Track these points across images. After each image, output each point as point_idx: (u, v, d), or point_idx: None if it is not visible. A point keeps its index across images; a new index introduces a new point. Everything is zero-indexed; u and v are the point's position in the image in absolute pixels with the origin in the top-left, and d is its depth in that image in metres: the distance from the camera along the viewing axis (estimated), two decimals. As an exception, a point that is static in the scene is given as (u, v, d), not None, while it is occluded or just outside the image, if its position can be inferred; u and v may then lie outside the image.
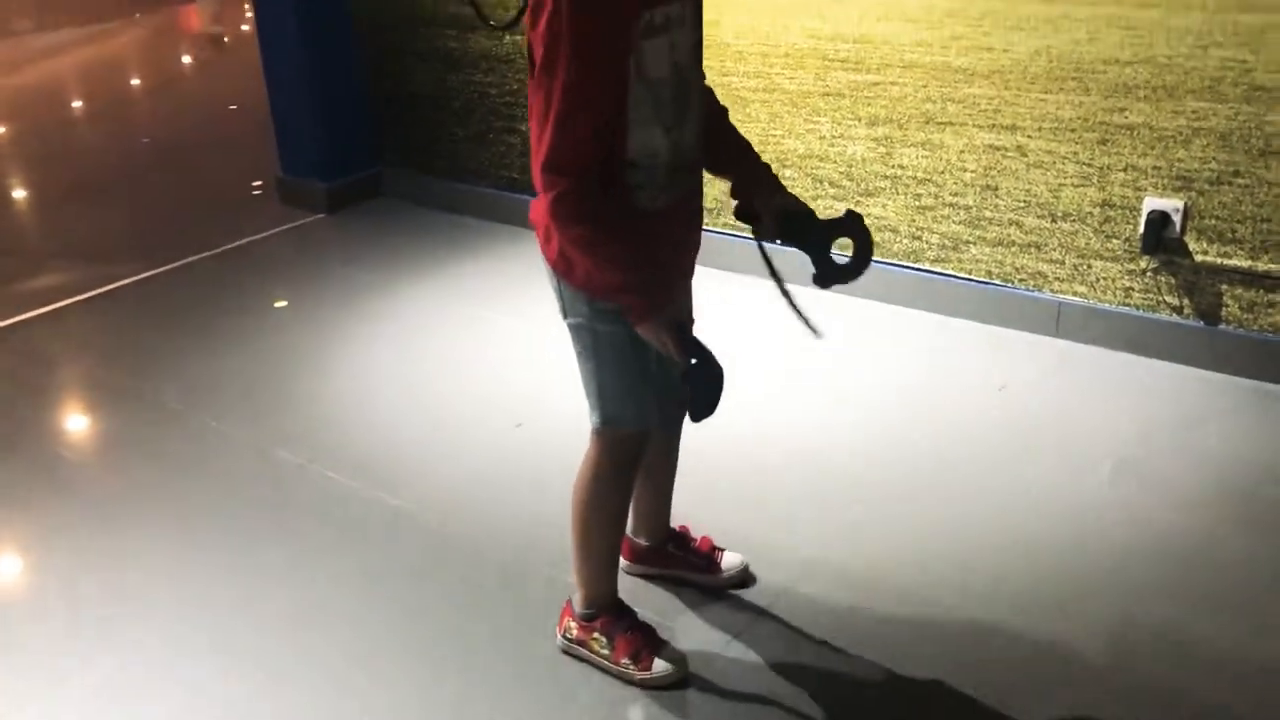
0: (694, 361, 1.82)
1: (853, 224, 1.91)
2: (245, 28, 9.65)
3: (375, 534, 2.74)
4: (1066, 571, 2.47)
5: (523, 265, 4.03)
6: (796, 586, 2.46)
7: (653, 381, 2.05)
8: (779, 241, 1.98)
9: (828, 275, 1.93)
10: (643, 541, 2.46)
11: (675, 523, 2.49)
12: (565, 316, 2.04)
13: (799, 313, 1.97)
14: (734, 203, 2.04)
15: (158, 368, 3.59)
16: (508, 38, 4.37)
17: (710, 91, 2.04)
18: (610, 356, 2.02)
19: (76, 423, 3.42)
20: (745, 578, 2.46)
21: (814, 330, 1.95)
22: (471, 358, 3.58)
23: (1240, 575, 2.43)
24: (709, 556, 2.46)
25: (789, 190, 2.01)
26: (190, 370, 3.56)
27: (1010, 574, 2.47)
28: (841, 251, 1.94)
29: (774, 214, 1.98)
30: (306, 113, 4.68)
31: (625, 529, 2.32)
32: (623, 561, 2.37)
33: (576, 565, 2.25)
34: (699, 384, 1.82)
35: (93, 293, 4.17)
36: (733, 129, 2.08)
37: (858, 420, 3.11)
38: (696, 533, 2.50)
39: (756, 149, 2.07)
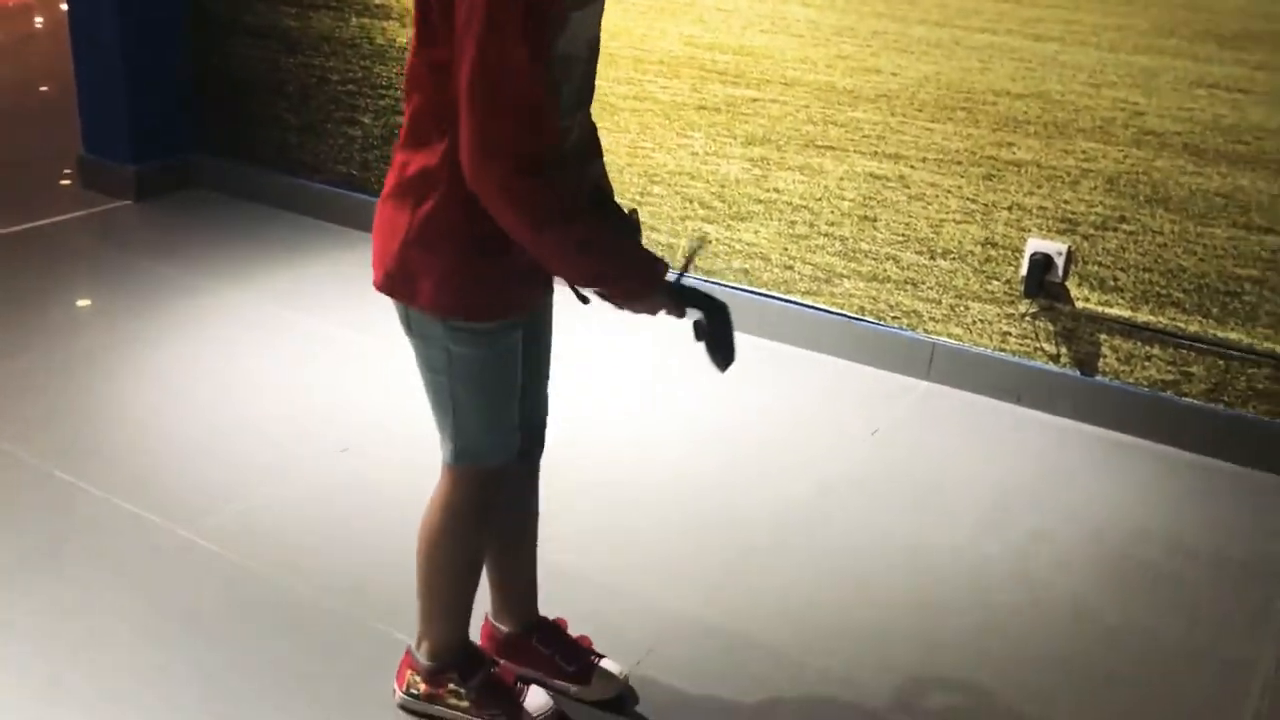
0: (698, 311, 1.67)
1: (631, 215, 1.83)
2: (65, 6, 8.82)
3: (165, 573, 2.30)
4: (927, 627, 2.29)
5: (359, 269, 3.62)
6: (660, 646, 2.17)
7: (517, 405, 1.77)
8: None
9: None
10: (504, 628, 2.05)
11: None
12: (409, 331, 1.70)
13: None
14: None
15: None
16: (353, 19, 3.98)
17: None
18: (469, 382, 1.71)
19: None
20: (624, 695, 2.03)
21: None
22: (292, 371, 3.16)
23: (1105, 642, 2.28)
24: (584, 661, 2.03)
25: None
26: (-47, 368, 3.03)
27: (871, 628, 2.27)
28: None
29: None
30: (117, 81, 4.13)
31: (480, 574, 1.96)
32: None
33: (423, 613, 1.90)
34: (713, 330, 1.68)
35: None
36: None
37: (724, 462, 2.85)
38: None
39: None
